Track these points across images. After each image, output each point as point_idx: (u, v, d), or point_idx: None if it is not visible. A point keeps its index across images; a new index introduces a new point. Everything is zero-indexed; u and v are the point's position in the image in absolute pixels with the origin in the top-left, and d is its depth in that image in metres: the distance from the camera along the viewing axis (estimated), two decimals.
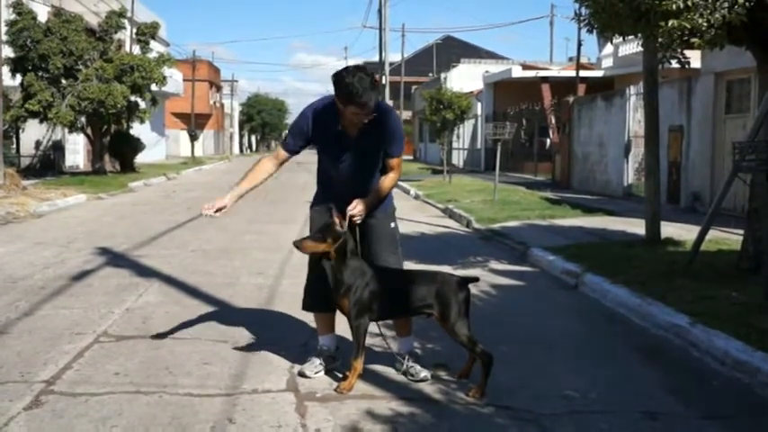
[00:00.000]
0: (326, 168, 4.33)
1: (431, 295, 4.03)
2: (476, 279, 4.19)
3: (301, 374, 4.29)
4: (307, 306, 4.50)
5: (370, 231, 4.28)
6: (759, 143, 6.57)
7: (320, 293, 4.30)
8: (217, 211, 4.14)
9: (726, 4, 6.12)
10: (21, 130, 23.12)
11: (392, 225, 4.39)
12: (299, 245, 4.04)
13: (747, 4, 6.15)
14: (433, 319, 4.14)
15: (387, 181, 4.27)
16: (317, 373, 4.29)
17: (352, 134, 4.11)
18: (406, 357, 4.34)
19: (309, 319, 5.58)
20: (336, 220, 3.99)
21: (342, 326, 4.82)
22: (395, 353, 4.43)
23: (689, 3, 6.05)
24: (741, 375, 4.39)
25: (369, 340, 4.84)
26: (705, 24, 6.20)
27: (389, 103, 43.13)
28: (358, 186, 4.19)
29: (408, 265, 6.06)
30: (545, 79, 26.58)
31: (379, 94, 4.09)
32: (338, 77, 3.98)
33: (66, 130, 23.66)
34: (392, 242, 4.37)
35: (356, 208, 4.03)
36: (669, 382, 4.37)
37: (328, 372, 4.34)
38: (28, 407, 3.77)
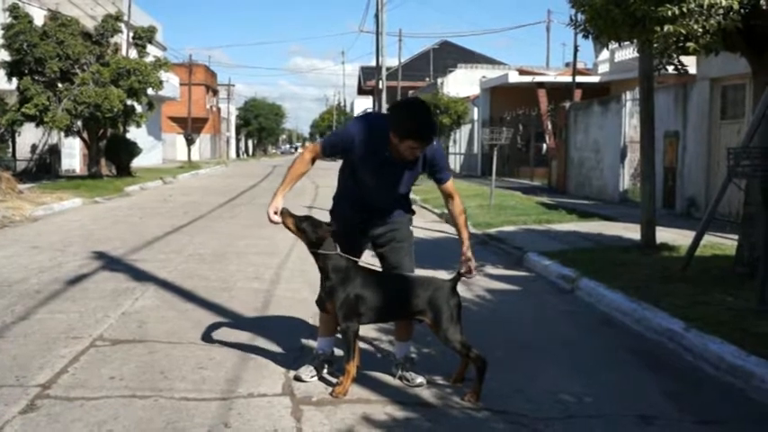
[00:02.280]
0: (359, 183, 4.27)
1: (423, 302, 4.03)
2: (460, 275, 4.20)
3: (297, 378, 4.29)
4: (317, 302, 4.48)
5: (392, 237, 4.32)
6: (753, 149, 6.59)
7: None
8: (275, 213, 4.11)
9: (721, 11, 6.16)
10: (17, 134, 23.11)
11: (411, 229, 4.44)
12: (283, 214, 4.07)
13: (742, 10, 6.19)
14: (425, 324, 4.15)
15: (458, 211, 4.31)
16: (312, 377, 4.29)
17: (397, 160, 4.07)
18: (402, 363, 4.34)
19: (305, 323, 5.60)
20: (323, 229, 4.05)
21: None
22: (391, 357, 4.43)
23: (684, 9, 6.08)
24: (735, 380, 4.40)
25: (365, 344, 4.86)
26: (700, 30, 6.24)
27: (386, 107, 43.14)
28: (389, 201, 4.28)
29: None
30: (541, 85, 26.66)
31: (437, 126, 4.09)
32: (397, 112, 3.96)
33: (63, 134, 23.62)
34: (411, 246, 4.41)
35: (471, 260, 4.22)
36: (664, 386, 4.38)
37: (324, 376, 4.34)
38: (23, 411, 3.77)
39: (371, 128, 4.11)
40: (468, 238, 4.30)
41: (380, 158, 4.05)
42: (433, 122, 3.97)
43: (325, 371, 4.36)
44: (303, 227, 4.06)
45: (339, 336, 4.23)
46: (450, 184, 4.31)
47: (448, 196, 4.32)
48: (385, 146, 4.01)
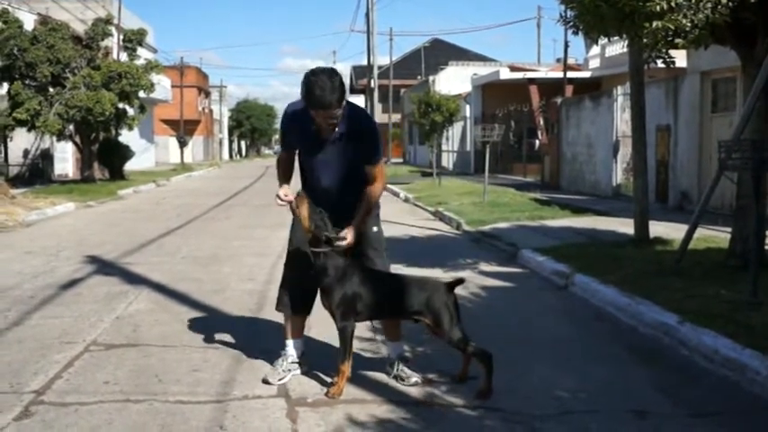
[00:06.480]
0: (308, 172, 4.29)
1: (421, 303, 4.02)
2: (462, 281, 4.22)
3: (265, 381, 4.25)
4: (282, 306, 4.43)
5: (362, 248, 4.27)
6: (744, 141, 6.60)
7: (296, 294, 4.33)
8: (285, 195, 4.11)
9: (709, 5, 6.17)
10: (9, 139, 23.03)
11: (375, 229, 4.33)
12: (299, 197, 4.03)
13: (730, 4, 6.20)
14: (424, 324, 4.15)
15: (374, 192, 4.19)
16: (280, 380, 4.26)
17: (327, 137, 4.09)
18: (397, 362, 4.34)
19: None
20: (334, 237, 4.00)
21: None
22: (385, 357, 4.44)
23: (672, 4, 6.09)
24: (730, 373, 4.42)
25: (359, 344, 4.86)
26: (689, 25, 6.25)
27: (378, 106, 43.19)
28: (340, 191, 4.18)
29: (398, 269, 6.07)
30: (533, 81, 26.64)
31: (345, 95, 3.99)
32: (303, 80, 3.93)
33: (55, 139, 23.54)
34: (377, 245, 4.34)
35: (348, 239, 4.01)
36: (658, 380, 4.39)
37: (318, 377, 4.33)
38: (18, 417, 3.76)
39: (297, 106, 4.14)
40: (365, 215, 4.14)
41: (309, 134, 4.09)
42: (334, 87, 3.84)
43: (297, 372, 4.35)
44: (316, 219, 3.98)
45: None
46: (378, 169, 4.19)
47: (370, 178, 4.17)
48: (311, 121, 4.02)
